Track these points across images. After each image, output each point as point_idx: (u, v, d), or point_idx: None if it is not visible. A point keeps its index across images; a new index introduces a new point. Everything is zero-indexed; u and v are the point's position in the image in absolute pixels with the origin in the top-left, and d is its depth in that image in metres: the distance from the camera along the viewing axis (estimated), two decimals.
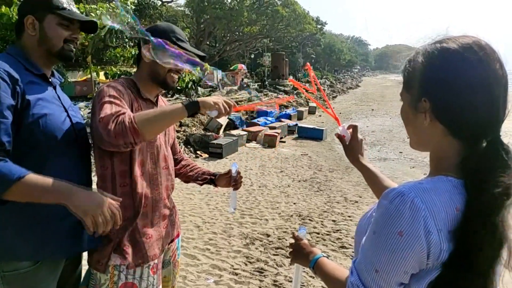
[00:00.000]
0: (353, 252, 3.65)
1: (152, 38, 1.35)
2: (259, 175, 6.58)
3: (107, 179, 1.39)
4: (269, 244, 3.78)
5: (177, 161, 1.81)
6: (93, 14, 6.34)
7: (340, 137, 1.26)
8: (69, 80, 11.39)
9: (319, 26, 43.13)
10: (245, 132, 9.28)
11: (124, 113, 1.22)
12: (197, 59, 1.42)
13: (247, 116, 12.17)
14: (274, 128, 10.18)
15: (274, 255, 3.55)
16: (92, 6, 6.63)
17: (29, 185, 1.08)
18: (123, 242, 1.39)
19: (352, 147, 1.24)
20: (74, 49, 1.40)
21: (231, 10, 25.71)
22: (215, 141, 7.89)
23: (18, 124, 1.19)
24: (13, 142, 1.15)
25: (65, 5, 1.35)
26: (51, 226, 1.29)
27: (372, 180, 1.21)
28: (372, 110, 19.32)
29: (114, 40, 6.97)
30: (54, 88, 1.39)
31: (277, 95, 18.31)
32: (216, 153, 7.74)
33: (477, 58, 0.72)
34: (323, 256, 1.03)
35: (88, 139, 1.46)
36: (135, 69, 1.65)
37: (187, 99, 1.34)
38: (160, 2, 25.69)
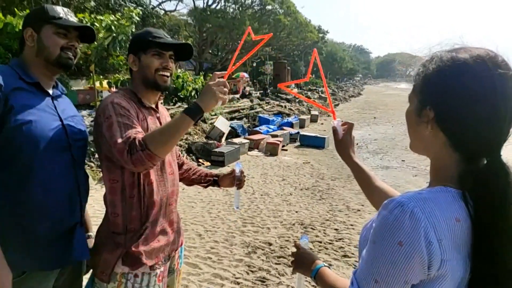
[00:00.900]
0: (355, 261, 3.62)
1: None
2: (261, 183, 6.56)
3: (117, 192, 1.39)
4: (271, 253, 3.76)
5: (178, 166, 1.82)
6: (97, 24, 6.40)
7: (335, 131, 1.27)
8: (72, 88, 11.47)
9: (321, 35, 43.40)
10: (247, 140, 9.29)
11: (134, 139, 1.23)
12: None
13: (249, 124, 12.19)
14: (276, 136, 10.18)
15: (276, 264, 3.53)
16: (98, 17, 6.70)
17: None
18: (131, 252, 1.39)
19: (344, 142, 1.25)
20: (72, 57, 1.40)
21: (233, 19, 25.93)
22: (217, 149, 7.90)
23: None
24: None
25: (61, 15, 1.38)
26: (34, 236, 1.29)
27: (363, 178, 1.22)
28: (374, 118, 19.32)
29: (118, 49, 7.02)
30: (53, 98, 1.40)
31: (279, 103, 18.34)
32: (218, 161, 7.74)
33: (487, 74, 0.70)
34: (325, 266, 1.02)
35: (85, 149, 1.47)
36: None
37: (188, 106, 1.33)
38: (163, 11, 25.96)
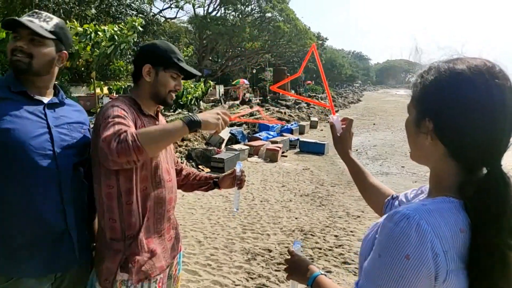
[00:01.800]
0: (355, 268, 3.62)
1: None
2: (260, 189, 6.56)
3: (113, 198, 1.39)
4: (271, 260, 3.75)
5: (177, 172, 1.82)
6: (100, 34, 6.45)
7: (332, 127, 1.27)
8: (72, 95, 11.51)
9: (320, 42, 43.61)
10: (247, 147, 9.30)
11: (126, 131, 1.23)
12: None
13: (249, 130, 12.21)
14: (276, 142, 10.19)
15: (275, 270, 3.52)
16: (102, 27, 6.75)
17: None
18: (131, 259, 1.39)
19: (343, 139, 1.26)
20: (21, 58, 1.34)
21: (233, 26, 26.07)
22: (217, 156, 7.91)
23: None
24: None
25: (19, 18, 1.35)
26: (15, 244, 1.30)
27: (357, 174, 1.24)
28: (374, 124, 19.35)
29: (119, 56, 7.07)
30: (48, 105, 1.40)
31: (278, 109, 18.39)
32: (218, 168, 7.74)
33: (485, 84, 0.71)
34: (322, 273, 1.00)
35: (73, 158, 1.43)
36: None
37: (189, 114, 1.36)
38: (163, 19, 26.12)
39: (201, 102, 14.92)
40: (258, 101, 21.61)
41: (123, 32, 6.59)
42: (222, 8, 28.09)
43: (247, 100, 20.84)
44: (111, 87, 9.94)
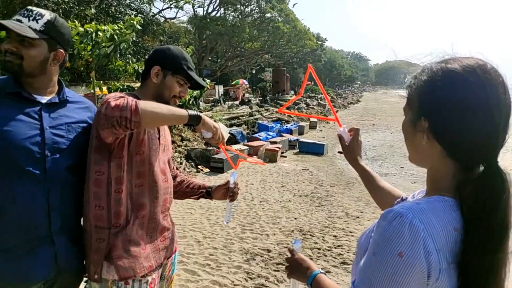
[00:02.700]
0: None
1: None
2: (260, 189, 6.57)
3: (102, 184, 1.38)
4: (270, 260, 3.75)
5: (172, 177, 1.81)
6: (100, 34, 6.44)
7: (340, 137, 1.32)
8: None
9: (319, 42, 43.66)
10: (246, 147, 9.31)
11: (128, 96, 1.27)
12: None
13: (248, 131, 12.22)
14: (275, 142, 10.21)
15: (275, 271, 3.53)
16: (102, 26, 6.74)
17: None
18: (115, 251, 1.37)
19: (352, 148, 1.30)
20: (11, 60, 1.32)
21: (233, 26, 26.09)
22: (216, 156, 7.91)
23: None
24: None
25: (12, 18, 1.34)
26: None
27: (368, 180, 1.27)
28: (373, 125, 19.36)
29: (119, 56, 7.06)
30: (45, 105, 1.36)
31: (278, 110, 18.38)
32: (217, 168, 7.75)
33: (479, 82, 0.71)
34: (321, 272, 1.01)
35: (66, 161, 1.38)
36: (138, 84, 1.69)
37: (194, 109, 1.37)
38: (163, 19, 26.12)
39: (200, 102, 14.90)
40: (257, 101, 21.61)
41: (122, 31, 6.58)
42: (222, 9, 28.12)
43: (246, 100, 20.84)
44: (110, 86, 9.93)
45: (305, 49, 35.64)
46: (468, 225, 0.71)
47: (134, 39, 7.10)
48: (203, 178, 7.31)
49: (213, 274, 3.41)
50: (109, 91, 10.38)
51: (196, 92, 11.25)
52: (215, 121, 1.48)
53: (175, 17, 28.32)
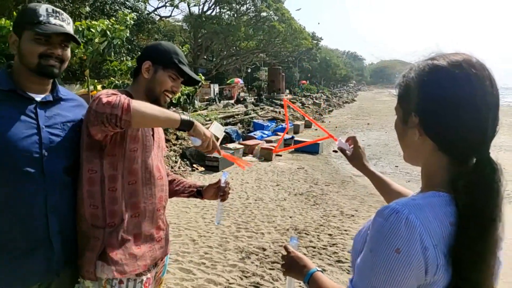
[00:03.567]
0: (349, 266, 3.63)
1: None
2: (255, 188, 6.56)
3: (96, 183, 1.35)
4: (265, 258, 3.75)
5: None
6: (92, 30, 6.40)
7: (342, 150, 1.34)
8: None
9: (315, 41, 43.72)
10: (242, 146, 9.29)
11: (121, 94, 1.24)
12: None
13: (243, 129, 12.21)
14: (270, 141, 10.20)
15: (270, 269, 3.53)
16: (93, 22, 6.69)
17: None
18: (110, 250, 1.35)
19: (355, 156, 1.32)
20: (56, 64, 1.31)
21: (228, 25, 26.03)
22: (211, 155, 7.89)
23: None
24: None
25: (41, 18, 1.27)
26: None
27: (379, 183, 1.28)
28: (368, 124, 19.45)
29: (113, 54, 7.02)
30: (40, 104, 1.32)
31: (273, 108, 18.40)
32: (213, 166, 7.73)
33: (465, 76, 0.73)
34: (318, 270, 1.00)
35: (63, 161, 1.36)
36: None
37: (183, 112, 1.34)
38: (158, 17, 25.98)
39: (195, 101, 14.85)
40: (253, 100, 21.60)
41: (115, 27, 6.54)
42: (217, 7, 28.05)
43: (241, 99, 20.81)
44: (104, 85, 9.88)
45: (301, 48, 35.69)
46: (461, 217, 0.72)
47: (127, 35, 7.06)
48: (198, 177, 7.30)
49: (208, 273, 3.41)
50: (104, 89, 10.31)
51: (188, 89, 11.21)
52: (210, 119, 1.46)
53: (170, 16, 28.24)
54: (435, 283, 0.71)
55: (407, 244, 0.68)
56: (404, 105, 0.82)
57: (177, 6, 23.80)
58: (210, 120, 10.98)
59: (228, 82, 26.80)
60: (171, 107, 12.84)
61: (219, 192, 1.70)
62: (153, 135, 1.51)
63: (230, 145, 9.17)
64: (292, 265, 1.06)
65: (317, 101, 27.76)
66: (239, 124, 12.70)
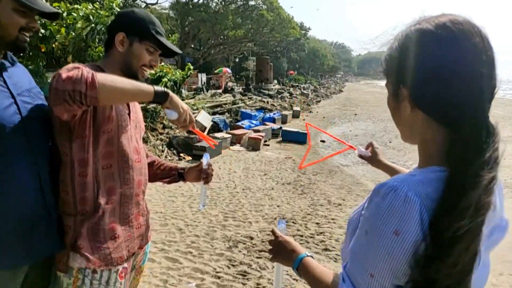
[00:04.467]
0: (336, 255, 3.65)
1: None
2: (243, 177, 6.53)
3: (67, 166, 1.26)
4: (253, 247, 3.74)
5: None
6: (74, 14, 6.19)
7: (362, 157, 1.45)
8: (48, 80, 11.09)
9: (303, 32, 43.57)
10: (229, 135, 9.24)
11: (84, 68, 1.09)
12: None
13: (231, 119, 12.13)
14: (258, 131, 10.17)
15: (257, 258, 3.51)
16: (75, 6, 6.48)
17: None
18: (82, 239, 1.26)
19: (374, 157, 1.41)
20: (28, 39, 1.22)
21: (216, 13, 25.67)
22: (198, 144, 7.82)
23: None
24: None
25: None
26: None
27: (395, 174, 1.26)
28: (355, 114, 19.57)
29: (97, 40, 6.83)
30: (2, 70, 1.21)
31: (261, 98, 18.32)
32: (200, 156, 7.65)
33: (451, 36, 0.66)
34: (308, 255, 0.93)
35: (43, 130, 1.28)
36: None
37: (163, 89, 1.23)
38: (144, 4, 25.42)
39: (182, 90, 14.65)
40: (240, 90, 21.46)
41: (99, 12, 6.34)
42: None
43: (229, 89, 20.65)
44: None
45: (289, 38, 35.52)
46: (451, 183, 0.64)
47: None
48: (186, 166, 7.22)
49: (195, 262, 3.37)
50: None
51: (176, 76, 11.01)
52: (197, 109, 1.38)
53: (156, 3, 27.61)
54: None
55: (407, 224, 0.62)
56: (392, 78, 0.75)
57: None
58: (197, 109, 10.86)
59: (216, 71, 26.56)
60: None
61: (202, 174, 1.62)
62: (129, 114, 1.40)
63: (218, 134, 9.10)
64: (279, 250, 1.00)
65: (305, 92, 27.78)
66: (226, 114, 12.60)
